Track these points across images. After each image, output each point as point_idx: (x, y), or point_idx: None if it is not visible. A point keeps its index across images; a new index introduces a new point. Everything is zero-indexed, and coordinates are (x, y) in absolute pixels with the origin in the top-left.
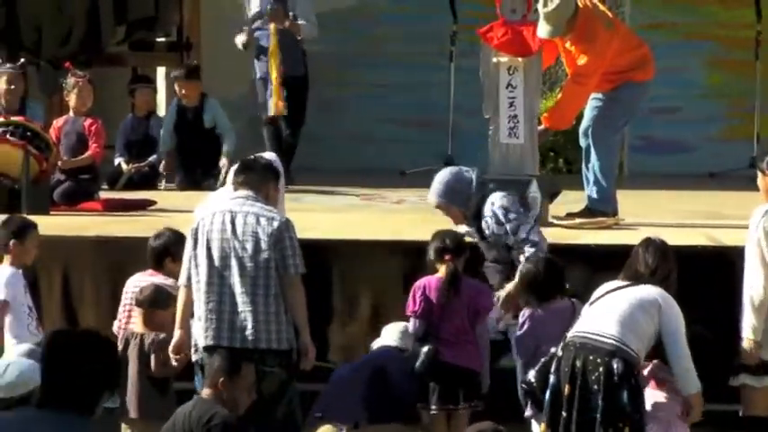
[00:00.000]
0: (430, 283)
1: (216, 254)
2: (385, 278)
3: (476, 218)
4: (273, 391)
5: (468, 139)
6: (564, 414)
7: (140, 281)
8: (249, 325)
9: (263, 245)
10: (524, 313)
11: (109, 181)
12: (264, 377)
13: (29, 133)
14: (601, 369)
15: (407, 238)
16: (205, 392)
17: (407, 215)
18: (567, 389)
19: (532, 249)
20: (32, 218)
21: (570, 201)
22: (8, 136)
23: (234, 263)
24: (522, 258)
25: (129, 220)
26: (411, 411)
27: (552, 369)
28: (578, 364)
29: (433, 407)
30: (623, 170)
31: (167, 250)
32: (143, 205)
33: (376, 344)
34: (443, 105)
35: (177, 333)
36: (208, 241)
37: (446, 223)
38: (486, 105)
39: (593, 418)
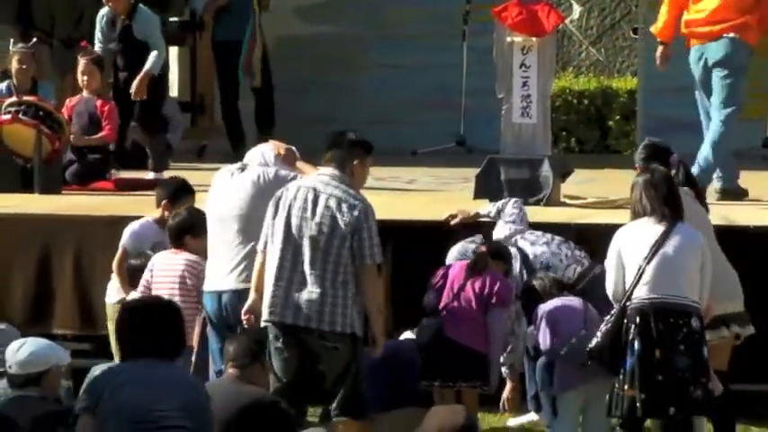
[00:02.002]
0: (457, 264)
1: (293, 230)
2: (397, 257)
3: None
4: (336, 371)
5: (480, 119)
6: (660, 377)
7: (166, 260)
8: (315, 306)
9: (341, 230)
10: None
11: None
12: (325, 354)
13: (41, 113)
14: (684, 330)
15: (421, 217)
16: (232, 372)
17: (420, 195)
18: (658, 352)
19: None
20: (43, 197)
21: (582, 180)
22: (21, 116)
23: (308, 242)
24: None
25: (141, 199)
26: (425, 395)
27: (632, 335)
28: (661, 327)
29: (436, 383)
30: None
31: (185, 228)
32: (154, 184)
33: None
34: (456, 86)
35: (252, 296)
36: (288, 216)
37: (459, 203)
38: (499, 85)
39: (680, 378)
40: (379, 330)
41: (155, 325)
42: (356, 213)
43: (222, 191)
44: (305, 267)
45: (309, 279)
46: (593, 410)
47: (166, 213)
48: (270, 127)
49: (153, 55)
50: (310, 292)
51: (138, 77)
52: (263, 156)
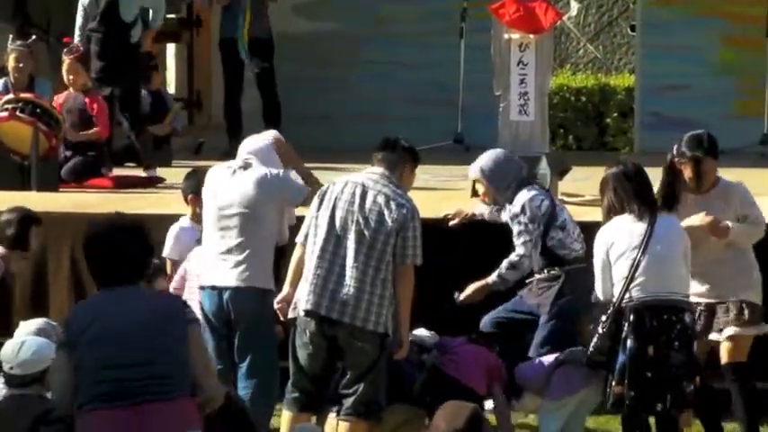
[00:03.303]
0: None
1: (338, 223)
2: None
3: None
4: (359, 369)
5: (478, 117)
6: (649, 374)
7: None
8: (351, 301)
9: (387, 228)
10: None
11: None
12: (351, 352)
13: (38, 110)
14: (678, 326)
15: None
16: None
17: (418, 192)
18: (651, 349)
19: (516, 259)
20: (40, 195)
21: (580, 178)
22: (18, 113)
23: (352, 236)
24: (504, 262)
25: (139, 196)
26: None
27: (625, 333)
28: (654, 323)
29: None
30: (634, 147)
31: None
32: (152, 182)
33: None
34: (453, 83)
35: (286, 289)
36: (333, 208)
37: (457, 201)
38: (497, 82)
39: (674, 374)
40: (406, 332)
41: (118, 251)
42: (404, 212)
43: (223, 187)
44: (347, 261)
45: (349, 273)
46: (582, 406)
47: (197, 209)
48: (277, 125)
49: (155, 14)
50: (349, 286)
51: (146, 34)
52: (261, 151)
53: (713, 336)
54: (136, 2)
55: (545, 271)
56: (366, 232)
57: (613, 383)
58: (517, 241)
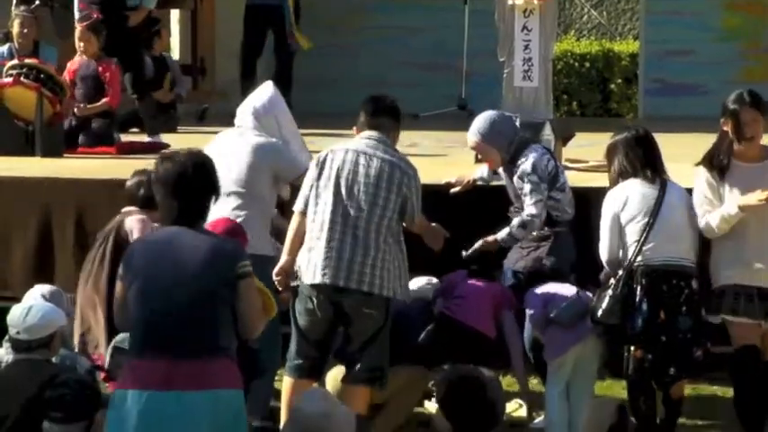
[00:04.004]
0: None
1: (344, 192)
2: None
3: (510, 162)
4: (365, 336)
5: (481, 83)
6: (663, 338)
7: None
8: (364, 268)
9: (393, 194)
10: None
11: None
12: (358, 318)
13: (42, 76)
14: (686, 291)
15: (423, 181)
16: None
17: (422, 158)
18: (662, 314)
19: (528, 218)
20: (45, 160)
21: (584, 144)
22: (22, 78)
23: (361, 205)
24: (515, 220)
25: (143, 162)
26: (421, 355)
27: (639, 297)
28: (664, 288)
29: (445, 367)
30: (638, 113)
31: None
32: (156, 148)
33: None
34: (457, 48)
35: (285, 258)
36: (337, 177)
37: (461, 167)
38: (501, 48)
39: (681, 339)
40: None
41: (193, 190)
42: (409, 180)
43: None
44: (358, 231)
45: (362, 242)
46: (583, 366)
47: None
48: (288, 89)
49: None
50: (362, 254)
51: (134, 14)
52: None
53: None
54: None
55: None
56: (374, 199)
57: (632, 349)
58: (529, 200)
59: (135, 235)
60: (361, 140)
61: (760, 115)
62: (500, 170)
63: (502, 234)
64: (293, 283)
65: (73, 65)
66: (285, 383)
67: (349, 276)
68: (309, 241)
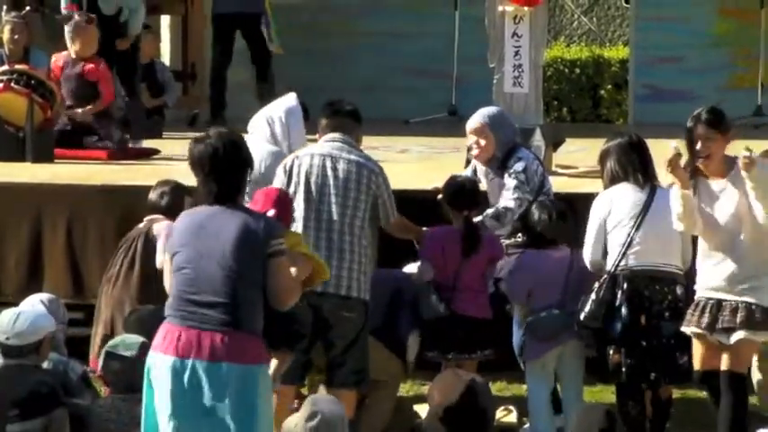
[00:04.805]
0: (447, 234)
1: (315, 197)
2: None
3: (502, 164)
4: (348, 338)
5: (472, 89)
6: (644, 343)
7: None
8: (341, 272)
9: (364, 196)
10: (520, 256)
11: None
12: (339, 322)
13: (33, 81)
14: (670, 297)
15: (413, 187)
16: None
17: (412, 164)
18: (643, 319)
19: (502, 210)
20: (35, 166)
21: (574, 150)
22: (12, 84)
23: (332, 208)
24: (490, 210)
25: (134, 168)
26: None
27: (619, 301)
28: (646, 293)
29: (450, 356)
30: (628, 119)
31: None
32: (147, 153)
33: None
34: (448, 54)
35: None
36: (306, 183)
37: (449, 174)
38: (491, 54)
39: (664, 344)
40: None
41: (229, 169)
42: (377, 178)
43: None
44: (332, 234)
45: (336, 245)
46: (567, 369)
47: None
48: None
49: (132, 16)
50: (337, 257)
51: (120, 40)
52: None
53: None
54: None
55: (513, 237)
56: (345, 201)
57: (611, 352)
58: (509, 195)
59: (162, 238)
60: (325, 144)
61: (717, 133)
62: (483, 176)
63: (476, 219)
64: None
65: (58, 61)
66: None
67: (326, 281)
68: None
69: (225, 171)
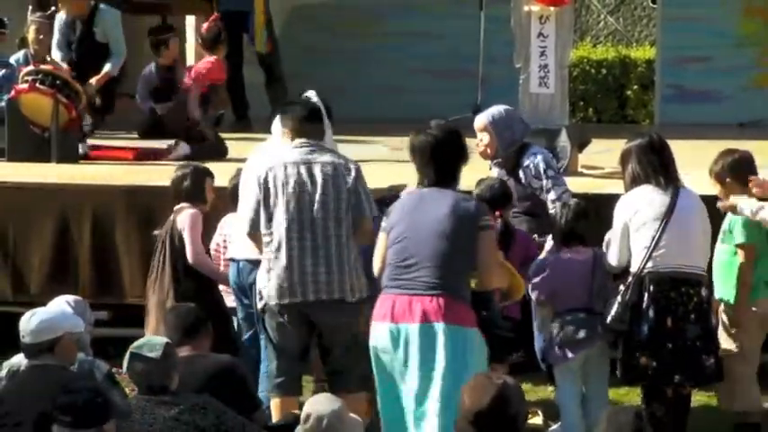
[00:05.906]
0: None
1: (294, 205)
2: None
3: (515, 165)
4: (344, 343)
5: (497, 89)
6: (669, 345)
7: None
8: (330, 278)
9: (344, 195)
10: (545, 257)
11: (143, 129)
12: (337, 328)
13: (58, 82)
14: (695, 299)
15: None
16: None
17: None
18: (669, 321)
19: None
20: (61, 166)
21: (599, 150)
22: (38, 84)
23: (315, 214)
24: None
25: (159, 168)
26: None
27: (646, 303)
28: (672, 295)
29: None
30: (654, 120)
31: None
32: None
33: None
34: (473, 54)
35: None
36: (285, 194)
37: (476, 173)
38: (517, 54)
39: (691, 346)
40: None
41: (436, 157)
42: (353, 174)
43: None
44: (317, 241)
45: (323, 251)
46: (593, 370)
47: None
48: (280, 98)
49: (112, 57)
50: (325, 264)
51: (97, 77)
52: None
53: None
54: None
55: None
56: (327, 206)
57: (636, 354)
58: (553, 195)
59: (187, 231)
60: (295, 150)
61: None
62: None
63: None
64: (259, 304)
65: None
66: (273, 404)
67: (317, 289)
68: (267, 262)
69: (443, 159)
